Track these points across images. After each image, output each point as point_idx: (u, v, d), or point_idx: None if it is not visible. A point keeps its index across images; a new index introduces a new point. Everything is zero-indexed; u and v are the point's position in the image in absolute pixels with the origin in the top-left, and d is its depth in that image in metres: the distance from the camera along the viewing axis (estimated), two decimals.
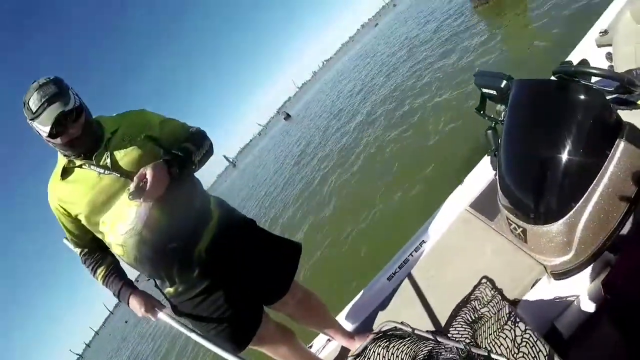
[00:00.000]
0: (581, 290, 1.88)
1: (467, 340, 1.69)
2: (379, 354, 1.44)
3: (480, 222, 2.24)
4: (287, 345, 1.90)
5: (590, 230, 1.58)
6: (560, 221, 1.61)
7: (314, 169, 12.82)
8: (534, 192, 1.69)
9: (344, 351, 2.22)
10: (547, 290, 1.84)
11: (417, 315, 2.03)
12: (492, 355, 1.34)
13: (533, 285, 1.80)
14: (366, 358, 1.39)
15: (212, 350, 1.46)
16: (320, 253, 6.59)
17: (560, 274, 1.71)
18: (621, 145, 1.48)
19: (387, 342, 1.48)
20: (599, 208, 1.53)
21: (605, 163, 1.50)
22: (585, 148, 1.51)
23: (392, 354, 1.50)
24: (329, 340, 2.28)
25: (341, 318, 2.39)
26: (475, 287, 1.93)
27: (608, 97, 1.57)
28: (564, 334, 1.77)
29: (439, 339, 1.33)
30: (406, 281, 2.29)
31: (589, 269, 1.69)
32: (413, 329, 1.33)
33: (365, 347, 1.37)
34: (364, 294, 2.45)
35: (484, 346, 1.65)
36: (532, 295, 1.82)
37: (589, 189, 1.52)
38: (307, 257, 6.74)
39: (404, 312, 2.12)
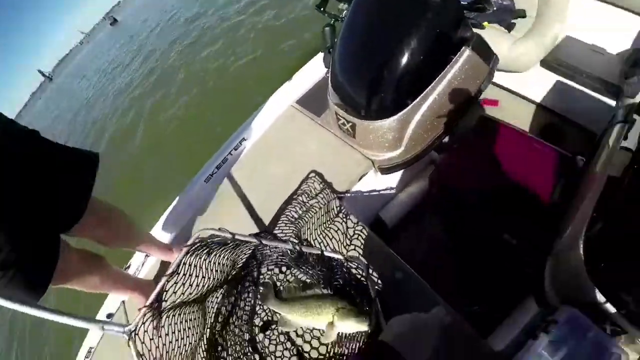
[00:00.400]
0: (405, 184, 1.97)
1: (293, 237, 1.58)
2: (195, 266, 1.17)
3: (306, 117, 2.10)
4: (97, 274, 1.61)
5: (421, 129, 1.59)
6: (394, 117, 1.57)
7: (142, 76, 11.27)
8: (369, 88, 1.61)
9: (165, 265, 1.95)
10: (374, 183, 1.86)
11: (241, 217, 1.86)
12: (325, 253, 1.23)
13: (360, 178, 1.78)
14: (183, 275, 1.10)
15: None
16: (127, 162, 5.76)
17: (388, 169, 1.72)
18: (466, 53, 1.47)
19: (207, 252, 1.22)
20: (434, 109, 1.54)
21: (447, 67, 1.49)
22: (430, 49, 1.44)
23: (213, 262, 1.26)
24: (147, 256, 2.00)
25: (157, 230, 2.09)
26: (303, 181, 1.82)
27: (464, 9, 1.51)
28: (388, 224, 1.85)
29: (264, 242, 1.16)
30: (226, 182, 2.06)
31: (414, 166, 1.75)
32: (233, 234, 1.09)
33: (180, 262, 1.07)
34: (180, 201, 2.13)
35: (314, 238, 1.58)
36: (359, 188, 1.81)
37: (427, 89, 1.51)
38: (110, 168, 5.80)
39: (226, 216, 1.92)
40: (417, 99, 1.52)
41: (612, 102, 1.66)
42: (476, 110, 1.67)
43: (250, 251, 1.45)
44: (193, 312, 1.25)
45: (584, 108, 1.76)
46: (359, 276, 1.33)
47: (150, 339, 0.94)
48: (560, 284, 1.15)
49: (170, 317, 1.10)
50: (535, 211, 1.45)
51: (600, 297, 1.05)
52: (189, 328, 1.19)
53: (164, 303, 1.08)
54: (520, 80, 1.97)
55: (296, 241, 1.52)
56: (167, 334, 1.03)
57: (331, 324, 1.25)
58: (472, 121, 1.74)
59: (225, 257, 1.34)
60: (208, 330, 1.34)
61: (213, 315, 1.40)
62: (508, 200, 1.52)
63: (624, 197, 1.08)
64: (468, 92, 1.60)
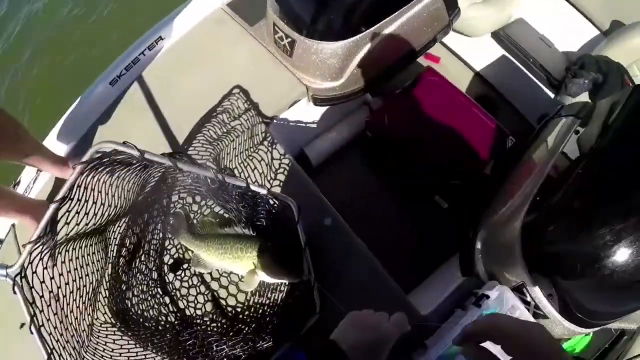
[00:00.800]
0: (335, 122, 1.78)
1: (211, 161, 1.31)
2: (94, 189, 0.85)
3: (237, 25, 1.71)
4: None
5: (367, 63, 1.42)
6: (343, 42, 1.36)
7: None
8: (321, 3, 1.39)
9: (60, 182, 1.48)
10: (303, 114, 1.63)
11: (151, 131, 1.49)
12: (252, 186, 1.00)
13: (291, 105, 1.53)
14: (78, 200, 0.82)
15: None
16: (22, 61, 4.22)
17: (322, 100, 1.52)
18: None
19: (108, 172, 0.88)
20: (385, 45, 1.37)
21: (412, 2, 1.34)
22: None
23: (115, 185, 0.95)
24: (39, 171, 1.52)
25: (51, 140, 1.58)
26: (225, 97, 1.49)
27: None
28: (312, 161, 1.66)
29: (181, 165, 0.90)
30: (136, 87, 1.61)
31: (347, 104, 1.58)
32: (142, 152, 0.81)
33: (74, 184, 0.74)
34: (79, 105, 1.61)
35: (234, 167, 1.33)
36: (287, 116, 1.57)
37: (385, 20, 1.34)
38: None
39: (133, 129, 1.52)
40: (373, 28, 1.35)
41: (549, 94, 1.73)
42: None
43: (159, 174, 1.13)
44: (92, 245, 0.98)
45: (522, 90, 1.81)
46: (285, 218, 1.14)
47: (42, 282, 0.80)
48: (491, 260, 1.17)
49: (64, 253, 0.88)
50: (467, 178, 1.45)
51: (528, 279, 1.09)
52: (88, 265, 0.96)
53: (57, 235, 0.84)
54: (466, 44, 1.92)
55: (215, 167, 1.23)
56: (61, 274, 0.86)
57: (252, 271, 1.08)
58: (412, 70, 1.63)
59: (131, 181, 1.03)
60: (110, 266, 1.09)
61: (116, 249, 1.12)
62: (441, 160, 1.49)
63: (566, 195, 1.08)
64: (423, 36, 1.49)
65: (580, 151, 1.16)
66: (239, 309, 1.15)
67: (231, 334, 1.07)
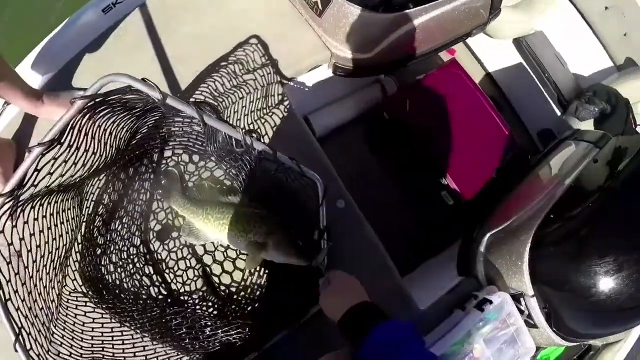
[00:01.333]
0: (344, 95, 1.67)
1: (212, 108, 1.17)
2: (87, 134, 0.70)
3: None
4: None
5: (403, 42, 1.30)
6: (388, 15, 1.24)
7: None
8: None
9: (32, 120, 1.17)
10: (319, 80, 1.50)
11: (143, 73, 1.20)
12: (279, 156, 0.90)
13: (311, 70, 1.40)
14: (69, 146, 0.66)
15: None
16: None
17: (343, 70, 1.39)
18: None
19: (107, 114, 0.73)
20: (427, 26, 1.28)
21: None
22: None
23: (109, 131, 0.79)
24: (6, 104, 1.18)
25: (24, 68, 1.24)
26: (240, 45, 1.32)
27: None
28: (316, 132, 1.55)
29: (207, 119, 0.75)
30: (134, 19, 1.30)
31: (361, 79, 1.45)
32: (165, 95, 0.69)
33: (68, 125, 0.59)
34: (63, 31, 1.27)
35: (243, 126, 1.19)
36: (305, 80, 1.43)
37: (435, 2, 1.24)
38: None
39: (123, 68, 1.21)
40: (419, 8, 1.25)
41: (555, 111, 1.74)
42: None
43: (153, 121, 0.97)
44: (67, 200, 0.81)
45: (529, 101, 1.81)
46: (304, 195, 1.02)
47: (9, 244, 0.65)
48: (494, 265, 1.17)
49: (38, 207, 0.71)
50: (474, 179, 1.43)
51: (529, 289, 1.11)
52: (63, 223, 0.80)
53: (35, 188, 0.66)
54: (485, 44, 1.87)
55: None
56: (32, 234, 0.70)
57: (259, 247, 0.96)
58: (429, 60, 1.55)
59: (124, 129, 0.86)
60: (84, 225, 0.90)
61: (92, 205, 0.91)
62: (448, 155, 1.46)
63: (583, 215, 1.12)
64: (460, 29, 1.41)
65: (584, 182, 1.20)
66: (233, 289, 1.04)
67: (227, 316, 0.96)
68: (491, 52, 1.90)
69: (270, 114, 1.26)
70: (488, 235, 1.23)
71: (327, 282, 0.78)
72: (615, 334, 1.22)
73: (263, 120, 1.25)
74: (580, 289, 1.07)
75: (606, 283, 1.05)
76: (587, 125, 1.58)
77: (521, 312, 1.13)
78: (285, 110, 1.25)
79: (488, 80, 1.94)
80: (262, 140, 1.06)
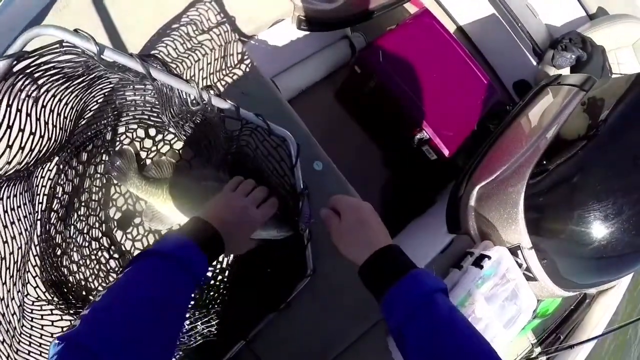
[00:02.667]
0: (311, 53, 1.51)
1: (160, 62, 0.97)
2: (19, 110, 0.53)
3: None
4: None
5: None
6: None
7: None
8: None
9: None
10: (283, 37, 1.34)
11: (94, 30, 1.03)
12: (242, 112, 0.74)
13: (273, 25, 1.24)
14: None
15: None
16: None
17: (308, 23, 1.24)
18: None
19: (39, 84, 0.57)
20: None
21: None
22: None
23: (49, 107, 0.62)
24: None
25: None
26: (192, 5, 1.14)
27: None
28: (284, 95, 1.40)
29: (155, 73, 0.59)
30: None
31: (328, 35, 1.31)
32: (102, 47, 0.53)
33: None
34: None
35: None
36: (266, 37, 1.27)
37: None
38: None
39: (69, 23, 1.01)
40: None
41: (531, 61, 1.66)
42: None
43: (102, 95, 0.79)
44: (15, 197, 0.66)
45: (504, 53, 1.73)
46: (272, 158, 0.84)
47: None
48: (487, 218, 1.08)
49: None
50: (456, 131, 1.33)
51: (527, 241, 1.03)
52: (13, 223, 0.64)
53: None
54: None
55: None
56: None
57: None
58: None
59: (70, 105, 0.69)
60: (39, 224, 0.74)
61: (45, 200, 0.76)
62: (427, 108, 1.34)
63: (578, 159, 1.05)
64: None
65: (573, 126, 1.12)
66: (209, 274, 0.89)
67: (205, 306, 0.82)
68: (461, 6, 1.79)
69: (230, 74, 1.09)
70: (477, 188, 1.14)
71: (332, 212, 0.64)
72: (617, 279, 1.17)
73: (223, 83, 1.08)
74: (580, 236, 1.01)
75: (606, 228, 0.99)
76: (564, 73, 1.51)
77: (519, 265, 1.04)
78: (247, 69, 1.09)
79: (459, 34, 1.83)
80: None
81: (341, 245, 0.61)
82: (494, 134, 1.23)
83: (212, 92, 0.72)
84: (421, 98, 1.32)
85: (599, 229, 0.99)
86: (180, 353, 0.80)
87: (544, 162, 1.07)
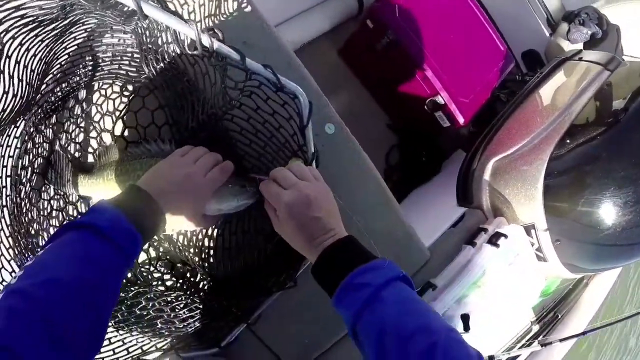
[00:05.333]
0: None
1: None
2: None
3: None
4: None
5: None
6: None
7: None
8: None
9: None
10: None
11: None
12: (248, 62, 0.58)
13: None
14: None
15: None
16: None
17: None
18: None
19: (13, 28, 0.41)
20: None
21: None
22: None
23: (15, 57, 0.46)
24: None
25: None
26: None
27: None
28: None
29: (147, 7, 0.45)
30: None
31: None
32: None
33: None
34: None
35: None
36: None
37: None
38: None
39: None
40: None
41: (543, 32, 1.54)
42: None
43: (75, 44, 0.61)
44: None
45: (515, 21, 1.58)
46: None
47: None
48: (502, 194, 0.99)
49: None
50: (472, 98, 1.21)
51: (543, 221, 0.95)
52: None
53: None
54: None
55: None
56: None
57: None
58: None
59: (37, 56, 0.54)
60: (8, 199, 0.61)
61: (12, 171, 0.61)
62: (443, 71, 1.21)
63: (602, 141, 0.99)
64: None
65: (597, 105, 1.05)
66: (198, 258, 0.75)
67: (201, 290, 0.70)
68: None
69: (228, 20, 0.91)
70: (492, 161, 1.05)
71: (273, 190, 0.54)
72: (624, 264, 1.13)
73: (217, 30, 0.90)
74: (596, 221, 0.96)
75: (624, 215, 0.94)
76: (578, 48, 1.41)
77: (531, 245, 0.97)
78: (249, 16, 0.91)
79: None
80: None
81: (284, 236, 0.56)
82: (510, 105, 1.13)
83: (218, 34, 0.57)
84: (438, 59, 1.18)
85: (616, 216, 0.95)
86: (177, 339, 0.69)
87: (566, 142, 0.98)
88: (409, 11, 1.16)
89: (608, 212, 0.95)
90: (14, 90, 0.52)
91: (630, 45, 1.49)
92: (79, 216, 0.68)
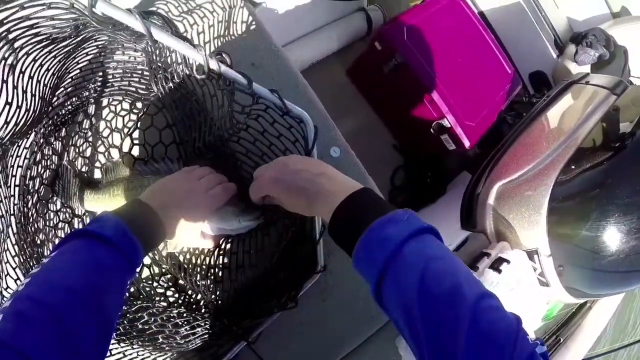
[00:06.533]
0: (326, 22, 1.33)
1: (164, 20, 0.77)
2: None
3: None
4: None
5: None
6: None
7: None
8: None
9: None
10: (294, 3, 1.17)
11: None
12: (254, 86, 0.57)
13: None
14: None
15: None
16: None
17: None
18: None
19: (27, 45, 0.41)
20: None
21: None
22: None
23: (29, 71, 0.47)
24: None
25: None
26: None
27: None
28: None
29: (156, 33, 0.46)
30: None
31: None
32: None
33: None
34: None
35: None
36: (275, 3, 1.10)
37: None
38: None
39: None
40: None
41: (551, 53, 1.53)
42: None
43: (86, 60, 0.62)
44: None
45: (523, 42, 1.58)
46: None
47: None
48: (506, 218, 0.97)
49: None
50: (478, 122, 1.20)
51: (546, 247, 0.93)
52: None
53: None
54: None
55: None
56: None
57: None
58: None
59: (50, 70, 0.54)
60: (16, 208, 0.61)
61: (21, 181, 0.62)
62: (451, 92, 1.20)
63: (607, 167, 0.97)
64: None
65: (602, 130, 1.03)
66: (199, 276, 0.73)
67: (202, 307, 0.69)
68: None
69: (236, 42, 0.90)
70: (497, 185, 1.03)
71: (257, 183, 0.52)
72: (627, 290, 1.10)
73: (229, 52, 0.89)
74: (601, 247, 0.93)
75: (628, 242, 0.91)
76: (585, 71, 1.39)
77: (534, 269, 0.95)
78: (258, 37, 0.91)
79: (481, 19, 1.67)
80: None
81: (291, 208, 0.50)
82: (516, 129, 1.11)
83: (226, 58, 0.57)
84: (445, 83, 1.17)
85: (620, 242, 0.92)
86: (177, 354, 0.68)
87: (571, 167, 0.97)
88: (417, 34, 1.16)
89: (612, 239, 0.92)
90: (27, 104, 0.52)
91: (638, 66, 1.48)
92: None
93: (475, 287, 0.35)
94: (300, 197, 0.47)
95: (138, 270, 0.63)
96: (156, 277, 0.73)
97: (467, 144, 1.20)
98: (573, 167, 0.96)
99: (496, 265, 0.90)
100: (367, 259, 0.40)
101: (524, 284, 0.92)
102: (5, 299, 0.62)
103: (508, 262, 0.90)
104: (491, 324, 0.33)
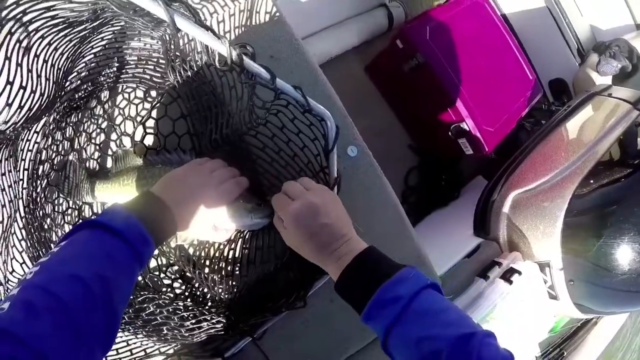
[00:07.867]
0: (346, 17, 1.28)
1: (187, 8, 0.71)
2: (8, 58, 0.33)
3: None
4: None
5: None
6: None
7: None
8: None
9: None
10: None
11: None
12: (278, 82, 0.53)
13: None
14: None
15: None
16: None
17: None
18: None
19: (44, 30, 0.38)
20: None
21: None
22: None
23: (43, 57, 0.43)
24: None
25: None
26: None
27: None
28: None
29: (180, 22, 0.42)
30: None
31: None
32: None
33: None
34: None
35: None
36: None
37: None
38: None
39: None
40: None
41: (572, 61, 1.47)
42: None
43: (101, 45, 0.58)
44: (1, 161, 0.52)
45: (545, 48, 1.51)
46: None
47: None
48: (520, 228, 0.93)
49: None
50: (497, 127, 1.15)
51: (559, 260, 0.89)
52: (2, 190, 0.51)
53: None
54: None
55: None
56: None
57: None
58: None
59: (64, 54, 0.51)
60: (24, 192, 0.59)
61: (30, 165, 0.59)
62: (472, 95, 1.15)
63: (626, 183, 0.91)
64: None
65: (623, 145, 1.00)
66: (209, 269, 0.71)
67: (210, 301, 0.67)
68: None
69: (256, 33, 0.86)
70: (513, 194, 0.98)
71: (280, 202, 0.52)
72: (635, 310, 1.06)
73: (248, 46, 0.85)
74: (614, 265, 0.90)
75: None
76: (606, 81, 1.34)
77: (544, 282, 0.92)
78: (278, 29, 0.86)
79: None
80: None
81: (298, 250, 0.52)
82: (535, 138, 1.07)
83: (249, 49, 0.54)
84: (466, 86, 1.12)
85: (633, 262, 0.88)
86: (182, 346, 0.67)
87: (589, 181, 0.92)
88: (440, 35, 1.11)
89: (626, 257, 0.89)
90: (41, 89, 0.49)
91: None
92: (93, 216, 0.66)
93: (473, 330, 0.40)
94: (313, 250, 0.49)
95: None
96: (163, 269, 0.71)
97: (485, 149, 1.15)
98: (591, 181, 0.92)
99: (508, 276, 0.87)
100: (377, 316, 0.44)
101: (534, 296, 0.89)
102: (11, 282, 0.60)
103: (520, 273, 0.87)
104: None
